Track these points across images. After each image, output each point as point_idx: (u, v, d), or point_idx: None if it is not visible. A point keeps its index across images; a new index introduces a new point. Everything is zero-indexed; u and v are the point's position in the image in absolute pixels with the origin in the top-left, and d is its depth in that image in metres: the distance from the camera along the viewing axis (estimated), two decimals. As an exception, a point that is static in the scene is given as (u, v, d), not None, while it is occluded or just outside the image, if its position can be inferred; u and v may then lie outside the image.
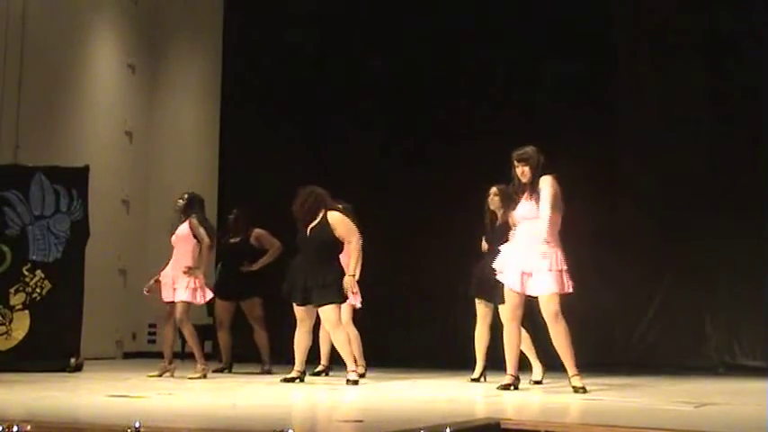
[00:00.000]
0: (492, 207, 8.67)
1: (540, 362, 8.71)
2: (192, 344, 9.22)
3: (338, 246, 8.49)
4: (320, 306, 8.34)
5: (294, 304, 8.47)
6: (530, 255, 7.50)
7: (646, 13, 11.30)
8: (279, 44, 12.64)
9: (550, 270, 7.44)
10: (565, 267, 7.48)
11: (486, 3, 11.77)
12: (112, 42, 13.04)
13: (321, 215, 8.48)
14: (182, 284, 9.12)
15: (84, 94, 12.60)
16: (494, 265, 7.75)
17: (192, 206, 9.41)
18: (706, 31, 11.02)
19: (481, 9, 11.68)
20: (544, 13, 11.38)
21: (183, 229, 9.29)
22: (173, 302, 9.17)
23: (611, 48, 11.38)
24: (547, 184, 7.51)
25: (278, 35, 12.68)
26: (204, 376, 9.05)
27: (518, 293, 7.58)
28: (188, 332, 9.22)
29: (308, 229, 8.50)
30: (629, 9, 11.41)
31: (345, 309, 8.85)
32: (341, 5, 12.55)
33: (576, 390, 7.43)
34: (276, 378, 9.11)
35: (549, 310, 7.48)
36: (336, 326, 8.36)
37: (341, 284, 8.31)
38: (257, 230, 10.15)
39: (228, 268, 10.24)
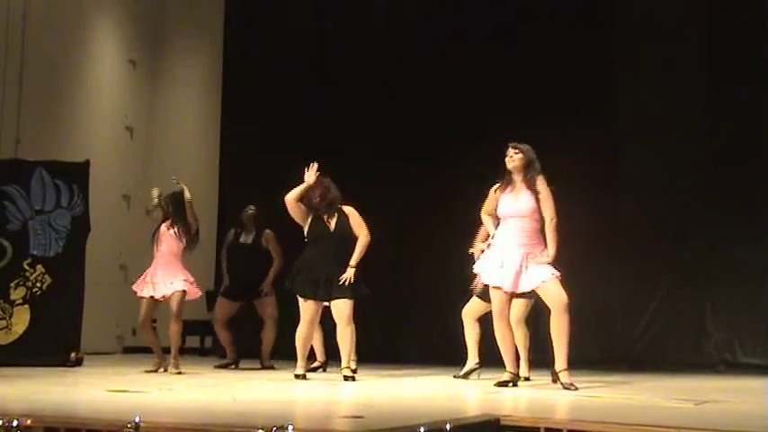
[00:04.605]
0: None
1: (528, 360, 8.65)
2: (174, 340, 9.13)
3: (354, 241, 8.50)
4: (338, 299, 8.35)
5: (311, 301, 8.43)
6: (523, 251, 7.49)
7: (647, 8, 11.26)
8: (280, 38, 12.61)
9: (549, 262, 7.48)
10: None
11: (486, 2, 11.76)
12: (113, 37, 13.02)
13: (338, 209, 8.54)
14: (178, 278, 9.12)
15: (85, 89, 12.59)
16: (475, 268, 7.75)
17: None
18: (707, 28, 11.00)
19: (480, 8, 11.67)
20: (545, 12, 11.37)
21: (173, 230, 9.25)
22: (152, 300, 9.13)
23: (611, 45, 11.35)
24: (545, 185, 7.55)
25: (279, 29, 12.65)
26: (164, 370, 9.02)
27: (507, 292, 7.56)
28: (176, 329, 9.11)
29: (332, 224, 8.53)
30: (630, 5, 11.38)
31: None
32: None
33: (565, 386, 7.39)
34: (277, 374, 9.11)
35: (558, 300, 7.44)
36: (349, 322, 8.39)
37: (360, 280, 8.39)
38: (267, 231, 10.03)
39: (238, 269, 10.16)
